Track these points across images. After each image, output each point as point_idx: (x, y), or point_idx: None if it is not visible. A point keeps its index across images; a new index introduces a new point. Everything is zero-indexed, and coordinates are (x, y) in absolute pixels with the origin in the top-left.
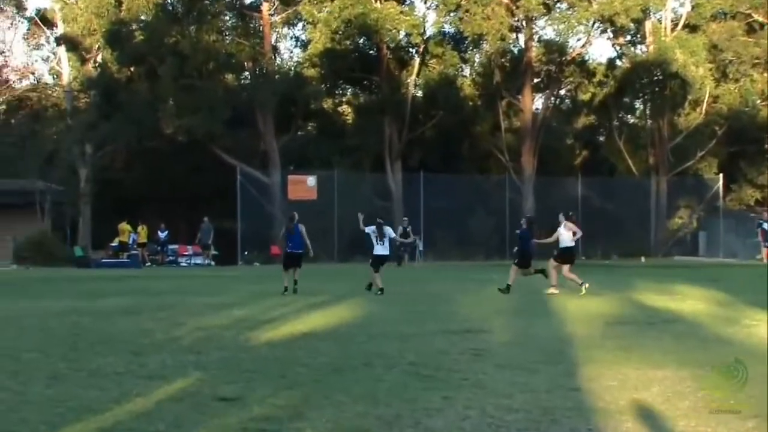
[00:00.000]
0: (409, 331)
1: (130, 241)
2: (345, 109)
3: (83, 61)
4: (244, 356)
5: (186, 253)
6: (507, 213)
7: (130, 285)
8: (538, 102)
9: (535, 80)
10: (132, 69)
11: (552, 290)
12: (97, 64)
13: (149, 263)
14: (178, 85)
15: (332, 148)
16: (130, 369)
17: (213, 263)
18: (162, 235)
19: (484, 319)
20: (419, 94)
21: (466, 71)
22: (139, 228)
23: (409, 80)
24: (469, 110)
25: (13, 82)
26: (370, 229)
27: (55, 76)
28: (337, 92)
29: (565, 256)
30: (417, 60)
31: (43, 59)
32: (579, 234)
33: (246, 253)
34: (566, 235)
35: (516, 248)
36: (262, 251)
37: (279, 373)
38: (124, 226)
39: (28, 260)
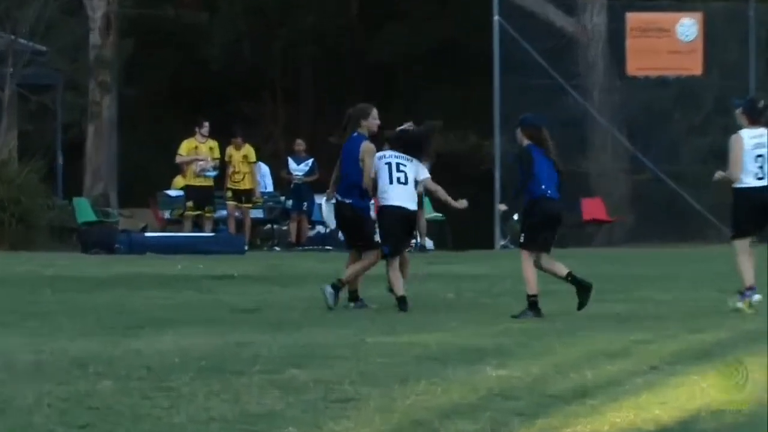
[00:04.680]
0: None
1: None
2: None
3: None
4: None
5: None
6: None
7: (216, 297)
8: None
9: None
10: None
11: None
12: None
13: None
14: None
15: None
16: None
17: (430, 243)
18: (297, 168)
19: None
20: None
21: None
22: (231, 148)
23: None
24: None
25: None
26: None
27: None
28: None
29: None
30: None
31: None
32: None
33: (516, 217)
34: None
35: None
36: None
37: None
38: (191, 143)
39: None
